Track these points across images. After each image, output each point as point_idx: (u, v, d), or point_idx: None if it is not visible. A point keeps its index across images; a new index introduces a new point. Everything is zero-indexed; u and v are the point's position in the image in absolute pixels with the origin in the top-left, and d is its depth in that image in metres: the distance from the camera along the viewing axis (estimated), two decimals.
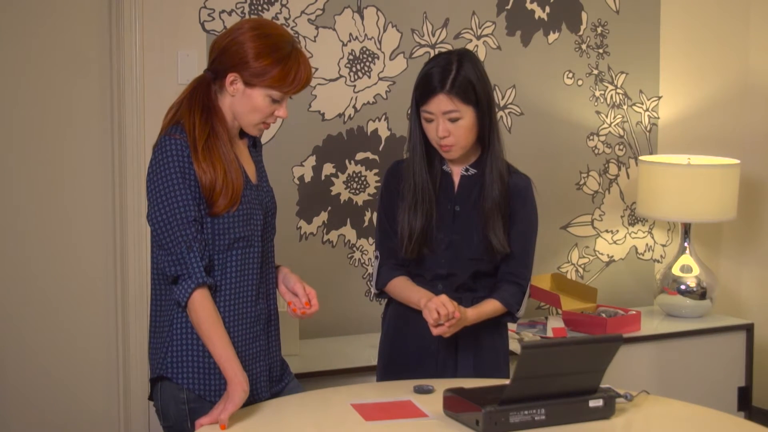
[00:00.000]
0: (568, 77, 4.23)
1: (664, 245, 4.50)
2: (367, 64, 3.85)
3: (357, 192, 3.87)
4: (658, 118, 4.43)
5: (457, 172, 2.86)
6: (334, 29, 3.78)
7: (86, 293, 3.58)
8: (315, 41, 3.75)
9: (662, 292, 4.22)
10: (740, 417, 3.93)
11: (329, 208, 3.84)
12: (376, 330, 3.05)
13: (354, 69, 3.83)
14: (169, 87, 3.39)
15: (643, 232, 4.46)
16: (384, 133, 3.90)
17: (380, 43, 3.86)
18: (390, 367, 2.91)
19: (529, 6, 4.12)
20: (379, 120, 3.89)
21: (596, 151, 4.32)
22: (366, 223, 3.89)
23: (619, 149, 4.37)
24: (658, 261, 4.48)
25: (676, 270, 4.20)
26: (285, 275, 2.61)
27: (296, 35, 3.70)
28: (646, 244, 4.47)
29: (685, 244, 4.23)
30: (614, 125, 4.34)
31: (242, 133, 2.56)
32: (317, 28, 3.75)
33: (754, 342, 4.19)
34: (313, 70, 3.69)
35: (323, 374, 3.42)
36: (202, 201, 2.40)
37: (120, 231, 3.55)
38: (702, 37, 4.51)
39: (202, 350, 2.43)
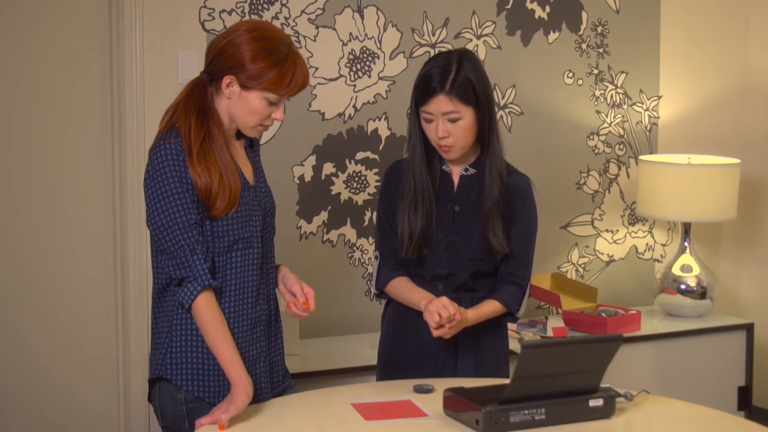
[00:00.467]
0: (568, 77, 4.23)
1: (664, 245, 4.50)
2: (368, 63, 3.85)
3: (357, 191, 3.87)
4: (659, 117, 4.43)
5: (456, 172, 2.86)
6: (334, 29, 3.78)
7: (86, 293, 3.58)
8: (315, 41, 3.75)
9: (662, 292, 4.22)
10: (740, 417, 3.93)
11: (329, 207, 3.84)
12: (376, 330, 3.05)
13: (354, 68, 3.83)
14: (169, 86, 3.38)
15: (644, 232, 4.46)
16: (384, 133, 3.90)
17: (380, 42, 3.86)
18: (389, 367, 2.91)
19: (529, 5, 4.12)
20: (379, 119, 3.89)
21: (596, 151, 4.32)
22: (366, 223, 3.88)
23: (620, 149, 4.36)
24: (658, 260, 4.48)
25: (676, 270, 4.20)
26: (284, 275, 2.61)
27: (296, 35, 3.70)
28: (646, 244, 4.47)
29: (685, 244, 4.23)
30: (614, 125, 4.34)
31: (239, 134, 2.55)
32: (317, 27, 3.75)
33: (754, 342, 4.19)
34: (313, 69, 3.72)
35: (323, 374, 3.42)
36: (200, 204, 2.40)
37: (120, 231, 3.55)
38: (702, 36, 4.51)
39: (201, 351, 2.43)
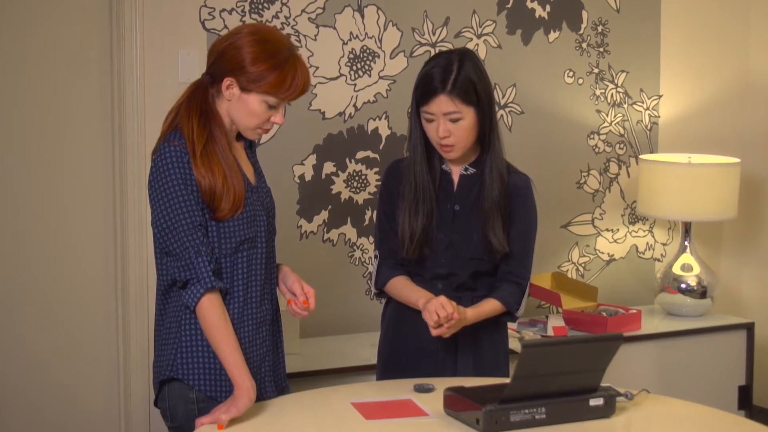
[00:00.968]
0: (568, 76, 4.23)
1: (664, 244, 4.50)
2: (368, 62, 3.84)
3: (357, 191, 3.87)
4: (659, 116, 4.43)
5: (456, 172, 2.85)
6: (335, 28, 3.78)
7: (86, 293, 3.58)
8: (315, 40, 3.75)
9: (663, 291, 4.22)
10: (741, 416, 3.93)
11: (330, 206, 3.84)
12: (377, 329, 3.05)
13: (354, 68, 3.83)
14: (170, 86, 3.38)
15: (644, 231, 4.46)
16: (384, 132, 3.90)
17: (381, 41, 3.86)
18: (389, 367, 2.91)
19: (529, 5, 4.11)
20: (380, 119, 3.89)
21: (597, 150, 4.32)
22: (366, 222, 3.88)
23: (620, 148, 4.36)
24: (659, 260, 4.48)
25: (676, 269, 4.20)
26: (285, 274, 2.62)
27: (296, 34, 3.70)
28: (647, 243, 4.47)
29: (686, 243, 4.23)
30: (615, 124, 4.34)
31: (239, 135, 2.55)
32: (318, 26, 3.75)
33: (755, 341, 4.19)
34: (314, 68, 3.72)
35: (323, 373, 3.42)
36: (205, 206, 2.40)
37: (120, 231, 3.55)
38: (702, 36, 4.50)
39: (211, 351, 2.42)
